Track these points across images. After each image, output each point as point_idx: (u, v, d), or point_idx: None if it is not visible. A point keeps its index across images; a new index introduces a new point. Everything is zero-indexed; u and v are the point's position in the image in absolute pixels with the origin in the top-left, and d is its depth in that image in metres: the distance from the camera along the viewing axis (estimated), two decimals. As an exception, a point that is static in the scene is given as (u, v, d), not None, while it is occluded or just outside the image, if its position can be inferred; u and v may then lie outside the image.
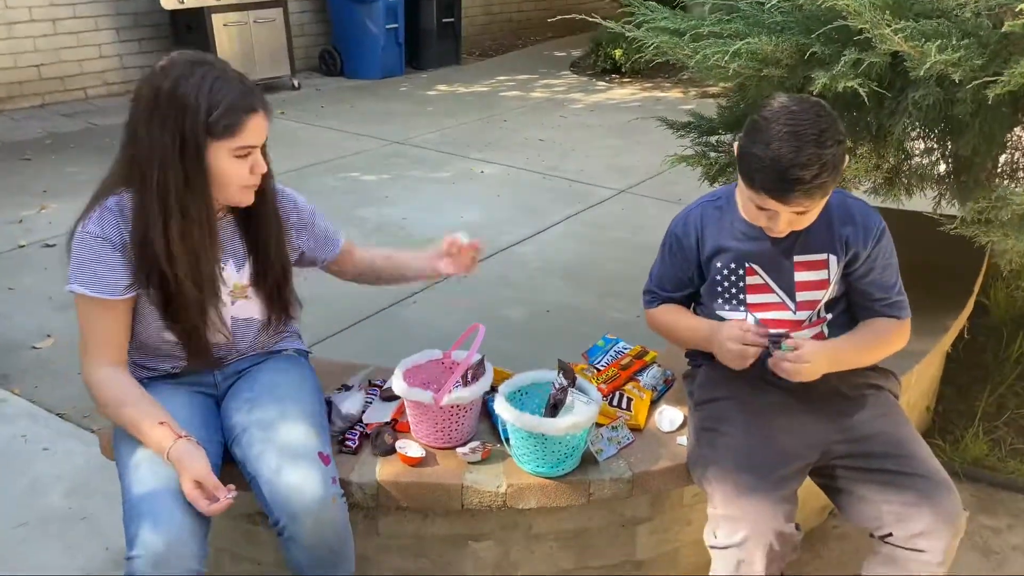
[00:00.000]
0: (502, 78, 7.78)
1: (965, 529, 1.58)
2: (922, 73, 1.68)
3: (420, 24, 7.96)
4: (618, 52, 7.51)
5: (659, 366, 2.05)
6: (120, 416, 1.54)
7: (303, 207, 1.79)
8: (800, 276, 1.67)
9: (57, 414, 2.65)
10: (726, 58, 1.92)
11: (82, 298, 1.53)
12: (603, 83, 7.62)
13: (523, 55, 9.12)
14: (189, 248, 1.53)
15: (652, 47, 2.06)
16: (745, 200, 1.60)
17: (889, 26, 1.70)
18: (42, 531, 2.17)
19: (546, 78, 7.81)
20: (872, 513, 1.59)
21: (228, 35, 6.57)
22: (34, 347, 3.02)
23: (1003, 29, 1.67)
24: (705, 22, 2.19)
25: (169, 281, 1.55)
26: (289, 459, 1.54)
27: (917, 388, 2.39)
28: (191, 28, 6.55)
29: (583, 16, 2.43)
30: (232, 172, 1.52)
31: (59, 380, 2.81)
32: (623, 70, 7.64)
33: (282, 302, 1.78)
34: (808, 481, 1.69)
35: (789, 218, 1.54)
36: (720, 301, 1.74)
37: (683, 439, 1.82)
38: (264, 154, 1.60)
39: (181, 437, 1.49)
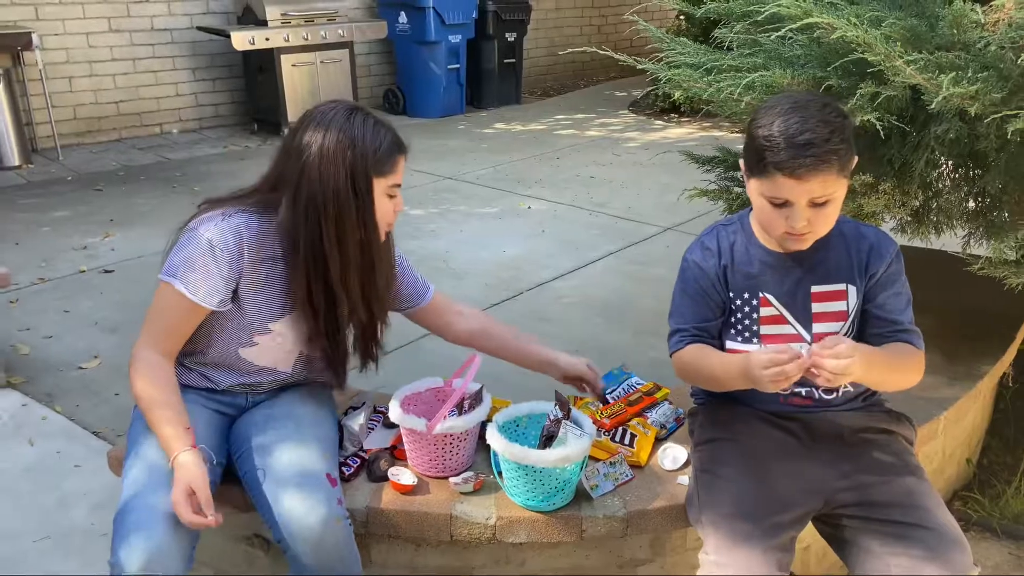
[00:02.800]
0: (560, 117, 7.84)
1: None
2: (934, 106, 1.62)
3: (482, 64, 8.12)
4: (681, 92, 7.48)
5: (671, 404, 2.01)
6: (148, 406, 1.57)
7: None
8: (817, 307, 1.61)
9: (93, 432, 2.75)
10: (739, 90, 1.89)
11: (170, 290, 1.58)
12: (660, 122, 7.61)
13: (584, 95, 9.19)
14: (361, 275, 1.66)
15: (665, 80, 2.05)
16: (759, 207, 1.54)
17: (902, 58, 1.65)
18: (63, 545, 2.23)
19: (603, 117, 7.84)
20: (878, 566, 1.50)
21: (296, 75, 6.82)
22: (80, 367, 3.14)
23: (1022, 61, 1.60)
24: (727, 57, 2.18)
25: (337, 300, 1.65)
26: (295, 479, 1.56)
27: (953, 438, 2.27)
28: (262, 68, 6.83)
29: (605, 52, 2.44)
30: (384, 208, 1.64)
31: (99, 400, 2.91)
32: (681, 109, 7.61)
33: (375, 342, 1.83)
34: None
35: (808, 212, 1.47)
36: (732, 332, 1.67)
37: (684, 478, 1.77)
38: None
39: (194, 448, 1.52)
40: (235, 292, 1.63)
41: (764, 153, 1.45)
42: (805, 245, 1.56)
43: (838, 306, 1.61)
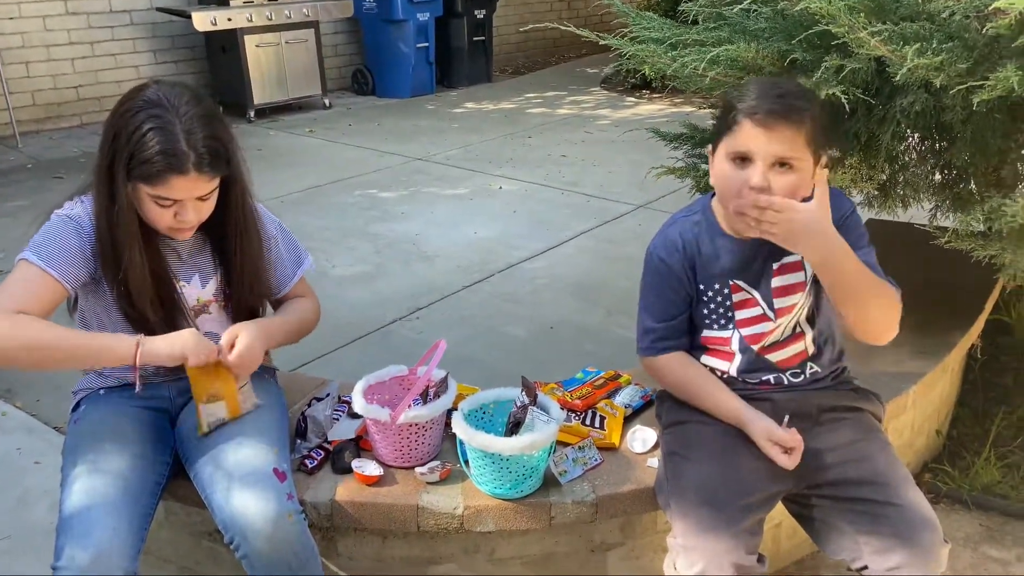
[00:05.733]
0: (531, 95, 7.77)
1: (947, 562, 1.48)
2: (900, 78, 1.60)
3: (451, 43, 8.01)
4: (647, 67, 7.43)
5: (637, 384, 1.99)
6: (51, 340, 1.46)
7: (268, 229, 1.78)
8: (777, 281, 1.60)
9: (54, 427, 2.68)
10: (703, 65, 1.85)
11: (26, 265, 1.51)
12: (632, 98, 7.56)
13: (555, 72, 9.11)
14: (125, 262, 1.54)
15: (627, 56, 2.01)
16: (721, 175, 1.50)
17: (866, 29, 1.62)
18: (25, 544, 2.18)
19: (575, 95, 7.78)
20: (848, 545, 1.50)
21: (261, 56, 6.68)
22: (40, 361, 3.06)
23: (987, 31, 1.58)
24: (691, 31, 2.14)
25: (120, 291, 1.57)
26: (241, 478, 1.51)
27: (922, 410, 2.27)
28: (225, 49, 6.69)
29: (567, 28, 2.39)
30: (153, 214, 1.53)
31: (61, 395, 2.83)
32: (653, 85, 7.56)
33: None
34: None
35: (765, 171, 1.42)
36: (708, 321, 1.66)
37: (654, 461, 1.75)
38: (231, 194, 1.61)
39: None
40: (101, 277, 1.58)
41: (735, 104, 1.47)
42: (762, 191, 1.44)
43: (797, 277, 1.60)
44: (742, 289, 1.62)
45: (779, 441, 1.52)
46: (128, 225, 1.52)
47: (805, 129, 1.43)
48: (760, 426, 1.55)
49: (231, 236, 1.67)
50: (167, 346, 1.53)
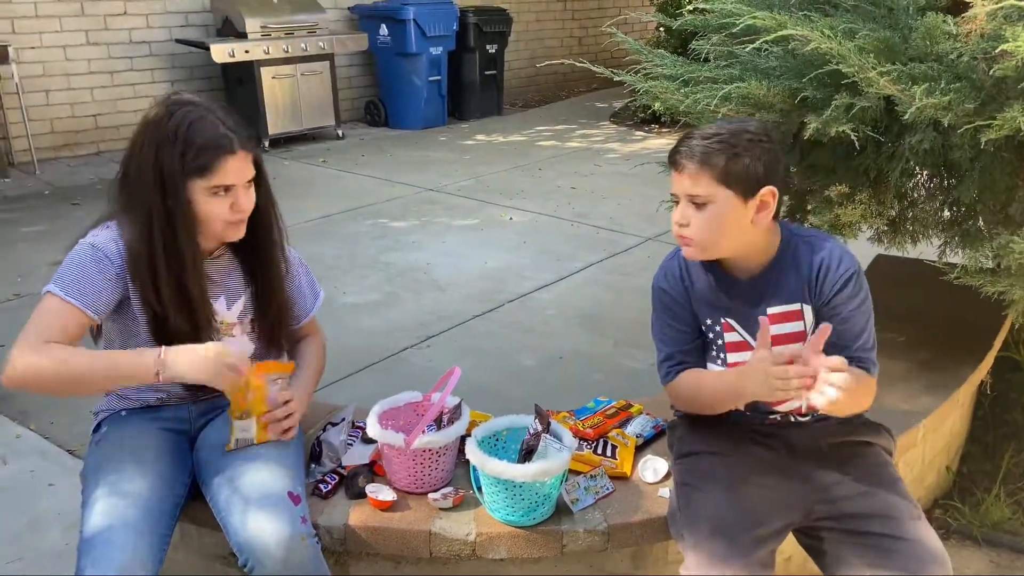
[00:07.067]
0: (541, 128, 7.86)
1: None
2: (908, 117, 1.64)
3: (463, 76, 8.13)
4: (657, 102, 7.51)
5: (648, 415, 2.00)
6: (78, 364, 1.49)
7: (290, 259, 1.82)
8: (775, 329, 1.60)
9: (68, 450, 2.70)
10: (715, 102, 1.90)
11: (50, 297, 1.54)
12: (641, 133, 7.64)
13: (565, 106, 9.22)
14: (176, 282, 1.57)
15: (642, 92, 2.05)
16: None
17: (875, 69, 1.66)
18: (36, 568, 2.19)
19: (585, 128, 7.87)
20: (856, 578, 1.51)
21: (276, 87, 6.79)
22: (55, 384, 3.09)
23: (994, 72, 1.62)
24: (703, 68, 2.18)
25: (160, 311, 1.59)
26: (256, 500, 1.53)
27: (932, 445, 2.28)
28: (242, 81, 6.80)
29: (583, 64, 2.44)
30: (211, 210, 1.57)
31: (74, 417, 2.87)
32: (662, 120, 7.64)
33: (277, 345, 1.80)
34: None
35: (688, 210, 1.53)
36: (709, 355, 1.69)
37: (665, 491, 1.76)
38: (261, 191, 1.65)
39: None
40: (129, 300, 1.60)
41: None
42: (689, 252, 1.59)
43: (795, 327, 1.61)
44: (734, 329, 1.64)
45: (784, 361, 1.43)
46: (190, 232, 1.56)
47: (712, 166, 1.49)
48: (759, 366, 1.46)
49: (272, 234, 1.71)
50: (188, 369, 1.51)
